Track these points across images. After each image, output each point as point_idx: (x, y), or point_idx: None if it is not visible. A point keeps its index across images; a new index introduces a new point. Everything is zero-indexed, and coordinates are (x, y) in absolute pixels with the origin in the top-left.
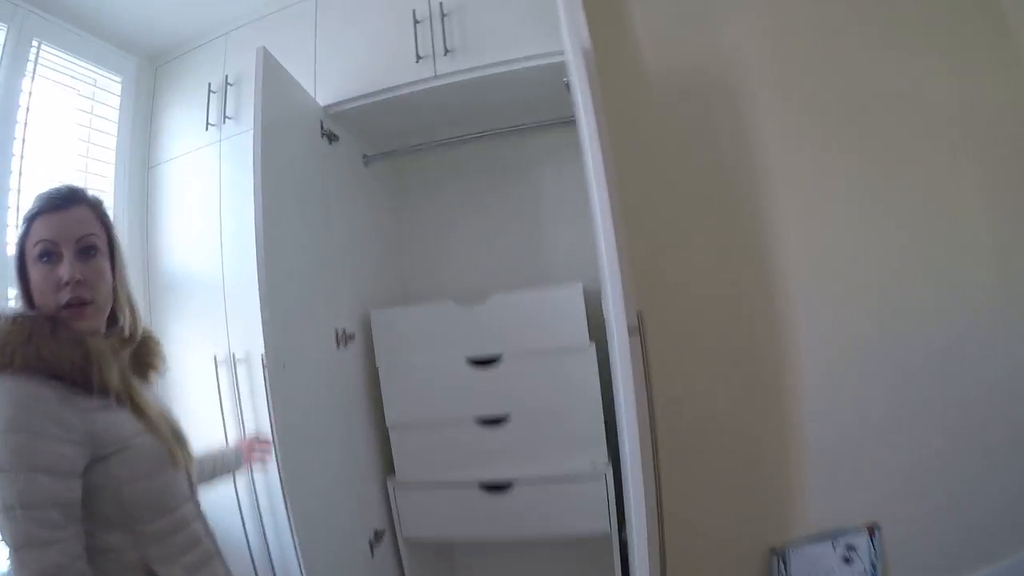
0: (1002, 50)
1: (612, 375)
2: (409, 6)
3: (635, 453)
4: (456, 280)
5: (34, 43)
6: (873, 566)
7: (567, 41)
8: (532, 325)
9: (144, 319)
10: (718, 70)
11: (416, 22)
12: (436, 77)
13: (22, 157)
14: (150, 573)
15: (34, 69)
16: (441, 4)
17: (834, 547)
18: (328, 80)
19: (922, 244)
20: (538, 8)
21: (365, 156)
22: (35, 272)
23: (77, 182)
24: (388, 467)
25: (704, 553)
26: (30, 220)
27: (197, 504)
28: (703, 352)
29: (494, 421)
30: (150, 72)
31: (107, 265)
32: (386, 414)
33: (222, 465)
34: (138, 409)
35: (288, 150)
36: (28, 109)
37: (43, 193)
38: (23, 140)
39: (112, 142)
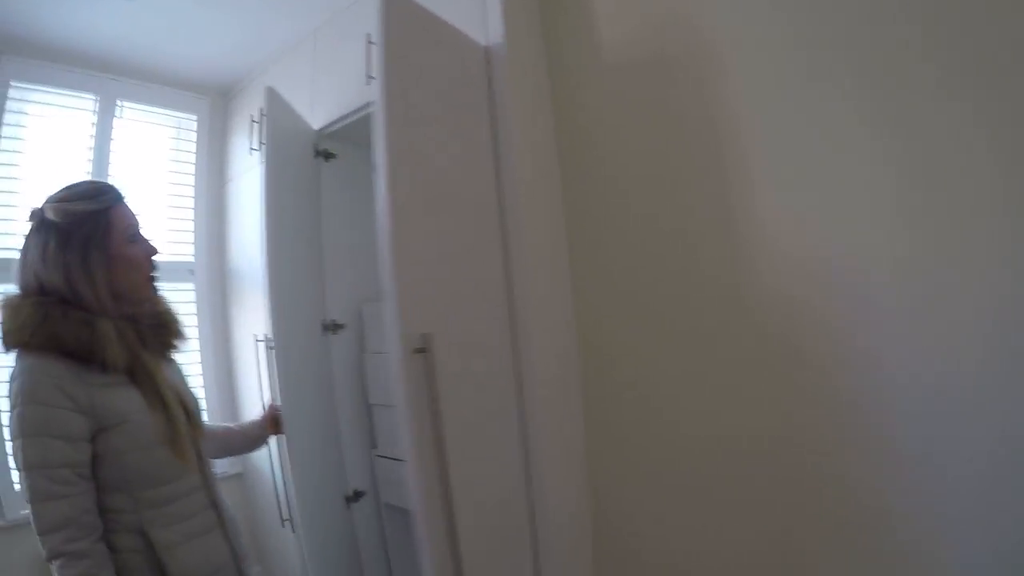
0: None
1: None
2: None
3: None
4: None
5: (119, 103)
6: None
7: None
8: None
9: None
10: (690, 42)
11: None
12: None
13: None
14: (146, 535)
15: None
16: None
17: None
18: (324, 105)
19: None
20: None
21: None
22: (131, 251)
23: (165, 202)
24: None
25: None
26: (108, 209)
27: (206, 476)
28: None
29: None
30: (222, 108)
31: None
32: (368, 394)
33: (250, 439)
34: (147, 386)
35: (284, 170)
36: (115, 152)
37: (97, 186)
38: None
39: (191, 167)
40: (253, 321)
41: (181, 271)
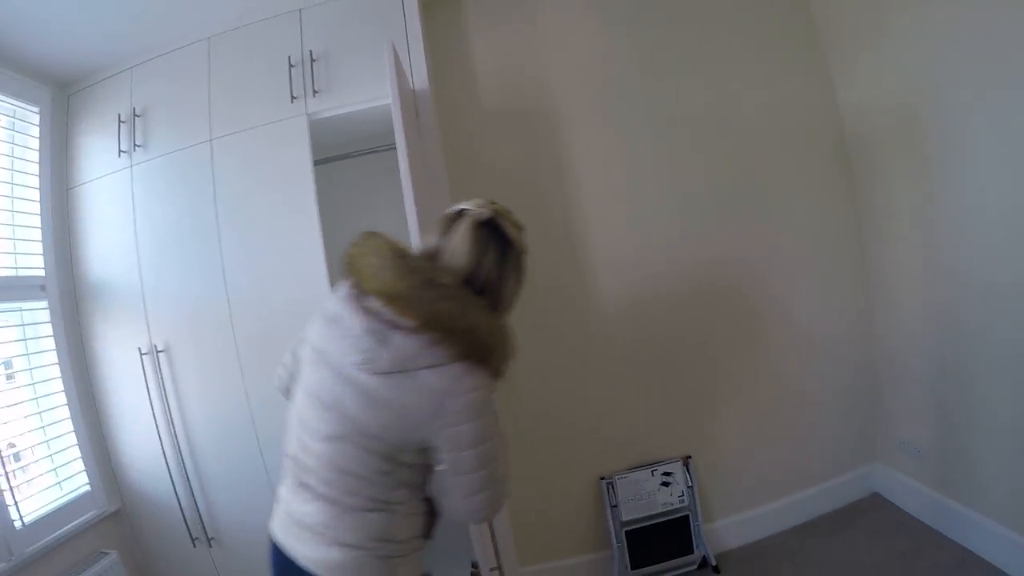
0: (810, 59)
1: None
2: (285, 52)
3: None
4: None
5: None
6: (690, 488)
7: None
8: None
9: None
10: (543, 98)
11: (291, 66)
12: (307, 115)
13: None
14: (431, 501)
15: None
16: (311, 52)
17: (652, 474)
18: (221, 113)
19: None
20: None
21: None
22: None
23: (5, 204)
24: None
25: (545, 481)
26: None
27: None
28: (535, 324)
29: None
30: (64, 101)
31: None
32: None
33: None
34: None
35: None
36: None
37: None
38: None
39: (35, 167)
40: (128, 335)
41: (31, 288)
